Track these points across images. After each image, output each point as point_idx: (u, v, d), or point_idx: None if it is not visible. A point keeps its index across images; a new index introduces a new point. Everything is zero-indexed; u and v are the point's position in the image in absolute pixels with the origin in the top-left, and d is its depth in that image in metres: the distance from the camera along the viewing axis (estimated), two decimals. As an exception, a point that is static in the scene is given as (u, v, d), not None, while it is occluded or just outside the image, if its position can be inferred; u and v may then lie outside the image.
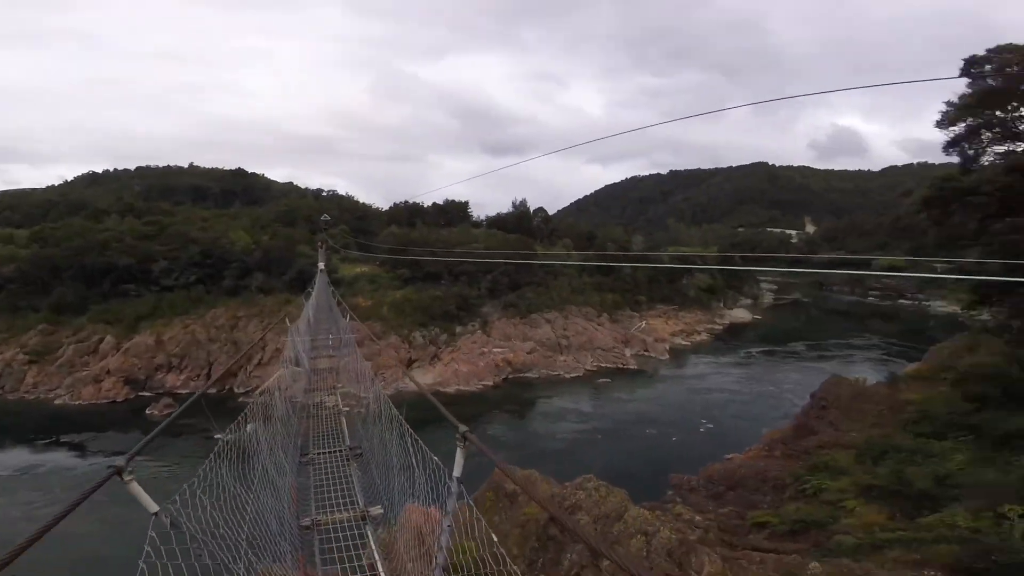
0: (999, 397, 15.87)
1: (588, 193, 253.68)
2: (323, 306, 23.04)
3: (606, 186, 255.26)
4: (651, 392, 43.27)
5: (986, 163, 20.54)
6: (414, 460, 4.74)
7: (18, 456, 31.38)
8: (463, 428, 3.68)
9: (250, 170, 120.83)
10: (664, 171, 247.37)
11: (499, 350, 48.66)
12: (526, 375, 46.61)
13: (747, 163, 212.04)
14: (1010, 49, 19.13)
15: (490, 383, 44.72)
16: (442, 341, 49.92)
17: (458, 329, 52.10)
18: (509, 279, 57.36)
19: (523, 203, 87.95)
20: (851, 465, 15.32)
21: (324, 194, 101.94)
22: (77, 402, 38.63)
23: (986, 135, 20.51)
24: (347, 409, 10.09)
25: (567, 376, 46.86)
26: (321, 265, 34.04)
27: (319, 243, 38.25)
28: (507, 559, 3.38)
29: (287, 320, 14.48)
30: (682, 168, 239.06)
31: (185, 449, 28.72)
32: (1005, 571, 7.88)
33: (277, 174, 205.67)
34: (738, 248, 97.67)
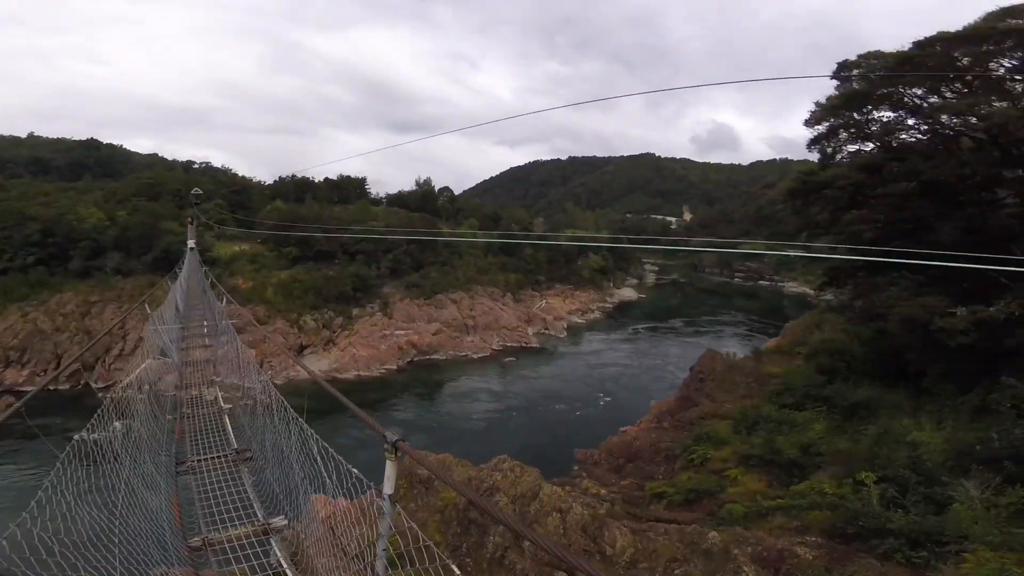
0: (844, 371, 18.72)
1: (494, 175, 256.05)
2: (195, 289, 21.33)
3: (511, 168, 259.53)
4: (553, 369, 45.15)
5: (841, 160, 23.48)
6: (324, 471, 4.14)
7: None
8: (393, 437, 3.14)
9: (106, 141, 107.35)
10: (564, 157, 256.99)
11: (402, 332, 47.46)
12: (432, 357, 46.08)
13: (637, 153, 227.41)
14: (876, 55, 21.82)
15: (394, 367, 43.51)
16: (337, 325, 47.43)
17: (355, 312, 49.83)
18: (412, 259, 55.92)
19: (427, 181, 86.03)
20: (729, 435, 17.14)
21: (196, 166, 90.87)
22: None
23: (843, 135, 23.33)
24: (229, 406, 8.81)
25: (475, 356, 47.15)
26: (191, 243, 31.17)
27: (189, 219, 35.14)
28: (436, 552, 3.15)
29: (147, 306, 12.92)
30: (580, 155, 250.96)
31: (46, 457, 24.70)
32: (871, 534, 9.32)
33: (139, 145, 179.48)
34: (627, 232, 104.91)
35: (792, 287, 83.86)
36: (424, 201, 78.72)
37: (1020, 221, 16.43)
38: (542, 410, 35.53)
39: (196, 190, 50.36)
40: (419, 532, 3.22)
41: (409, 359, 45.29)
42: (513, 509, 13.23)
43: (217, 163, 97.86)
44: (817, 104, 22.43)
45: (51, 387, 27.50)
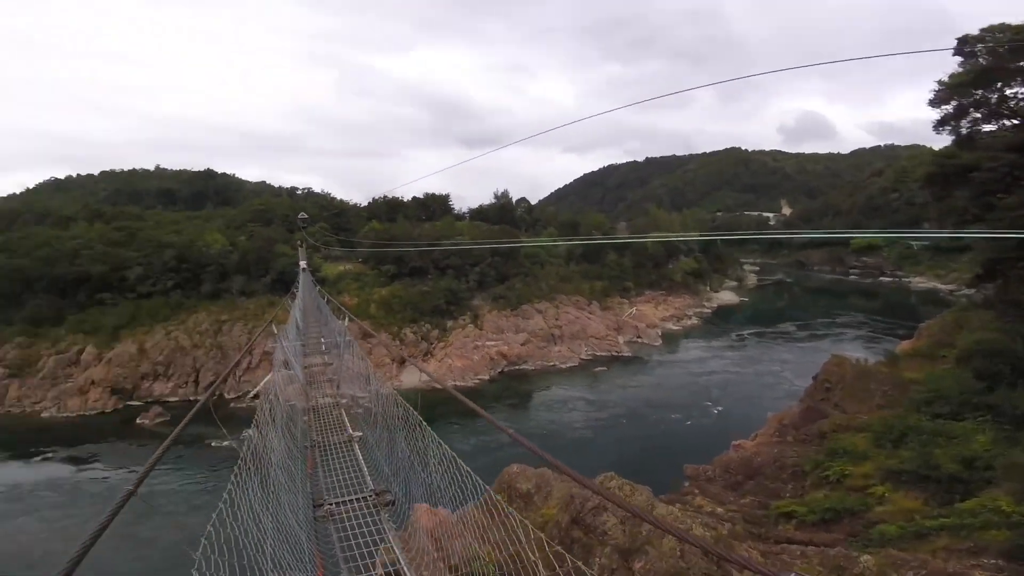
0: (1009, 375, 15.94)
1: (567, 182, 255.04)
2: (310, 307, 22.71)
3: (584, 175, 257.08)
4: (649, 379, 43.39)
5: (979, 140, 20.69)
6: (437, 469, 4.30)
7: (17, 472, 30.00)
8: None
9: (220, 170, 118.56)
10: (640, 158, 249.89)
11: (492, 343, 48.19)
12: (521, 367, 46.28)
13: (720, 148, 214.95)
14: (1002, 28, 19.20)
15: (486, 377, 44.29)
16: (434, 337, 49.24)
17: (449, 324, 51.43)
18: (496, 271, 56.81)
19: (504, 194, 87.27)
20: (870, 449, 15.23)
21: (299, 192, 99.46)
22: (64, 414, 37.15)
23: (976, 113, 20.68)
24: (359, 434, 8.74)
25: (563, 366, 46.69)
26: (303, 264, 34.16)
27: (299, 242, 38.23)
28: (568, 556, 3.00)
29: (274, 326, 14.06)
30: (657, 155, 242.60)
31: (188, 459, 28.65)
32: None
33: (248, 173, 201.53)
34: (720, 231, 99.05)
35: (919, 282, 74.37)
36: (503, 213, 79.86)
37: None
38: (642, 422, 34.10)
39: (303, 215, 54.88)
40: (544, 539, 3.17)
41: (500, 369, 45.80)
42: (622, 530, 12.58)
43: (316, 188, 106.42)
44: (940, 83, 20.10)
45: (191, 398, 31.30)
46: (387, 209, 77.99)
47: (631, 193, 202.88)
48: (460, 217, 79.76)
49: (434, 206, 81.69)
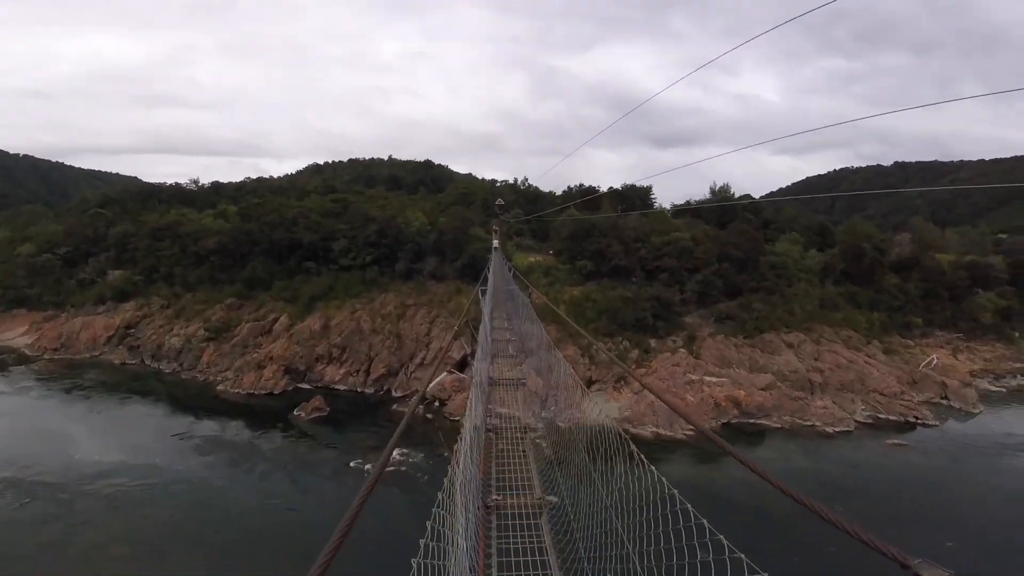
0: None
1: (784, 185, 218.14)
2: (500, 288, 21.64)
3: (806, 178, 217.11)
4: (984, 467, 27.08)
5: None
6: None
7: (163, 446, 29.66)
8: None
9: (436, 162, 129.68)
10: (886, 163, 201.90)
11: (714, 379, 35.92)
12: (759, 421, 33.21)
13: (1006, 156, 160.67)
14: None
15: (705, 427, 32.27)
16: (632, 359, 38.89)
17: (652, 343, 40.59)
18: (725, 282, 43.64)
19: (724, 188, 71.77)
20: None
21: (498, 184, 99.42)
22: (236, 390, 36.90)
23: None
24: (541, 441, 8.88)
25: (828, 429, 32.25)
26: (495, 242, 34.94)
27: (494, 227, 38.95)
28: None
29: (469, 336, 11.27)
30: (908, 159, 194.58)
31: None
32: None
33: (459, 166, 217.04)
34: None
35: None
36: (722, 212, 64.80)
37: None
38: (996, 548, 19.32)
39: (500, 201, 51.46)
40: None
41: (726, 420, 33.41)
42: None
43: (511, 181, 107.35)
44: None
45: (359, 389, 27.01)
46: (582, 198, 70.11)
47: (875, 203, 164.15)
48: (661, 213, 67.72)
49: (633, 198, 71.27)
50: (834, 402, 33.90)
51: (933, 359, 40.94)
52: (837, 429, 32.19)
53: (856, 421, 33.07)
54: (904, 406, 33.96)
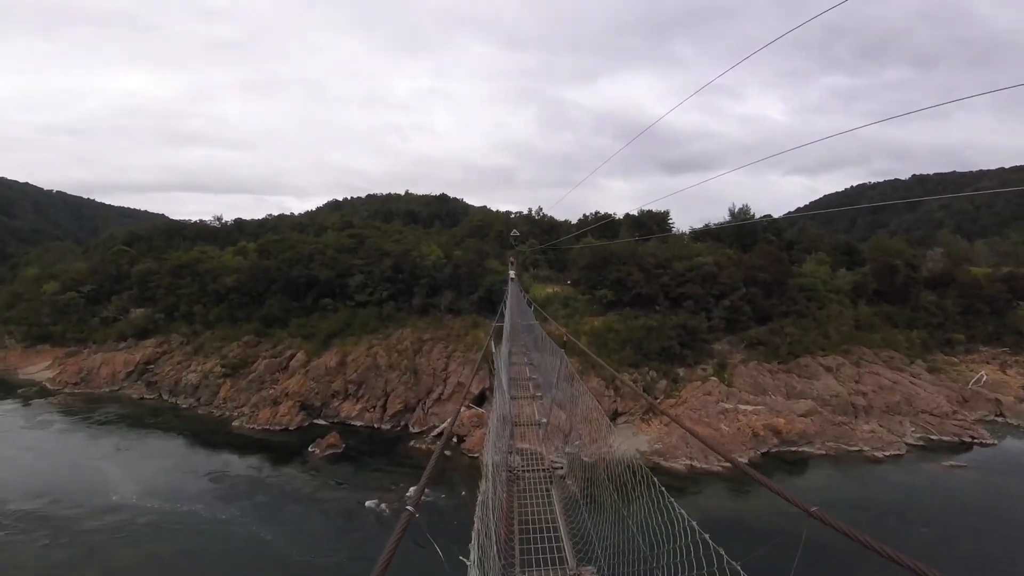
0: None
1: (801, 205, 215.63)
2: (516, 316, 21.14)
3: (823, 196, 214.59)
4: None
5: None
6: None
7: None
8: None
9: (452, 195, 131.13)
10: (903, 176, 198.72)
11: (749, 407, 33.89)
12: (801, 449, 30.96)
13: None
14: None
15: (743, 459, 30.15)
16: (660, 389, 37.08)
17: (681, 372, 38.79)
18: (753, 307, 41.91)
19: (744, 209, 70.59)
20: None
21: (512, 216, 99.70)
22: (251, 426, 36.13)
23: None
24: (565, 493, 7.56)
25: (877, 454, 29.91)
26: (511, 273, 35.47)
27: (510, 258, 39.42)
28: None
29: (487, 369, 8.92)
30: (923, 172, 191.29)
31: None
32: None
33: (474, 199, 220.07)
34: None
35: None
36: (743, 235, 63.34)
37: None
38: None
39: (515, 231, 50.83)
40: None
41: (764, 449, 31.22)
42: None
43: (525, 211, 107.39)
44: None
45: (375, 425, 25.76)
46: (599, 226, 69.36)
47: (896, 218, 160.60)
48: (679, 238, 66.50)
49: (650, 224, 70.29)
50: (881, 425, 31.61)
51: (982, 375, 38.30)
52: (887, 453, 29.88)
53: (907, 444, 30.73)
54: (958, 426, 31.55)
